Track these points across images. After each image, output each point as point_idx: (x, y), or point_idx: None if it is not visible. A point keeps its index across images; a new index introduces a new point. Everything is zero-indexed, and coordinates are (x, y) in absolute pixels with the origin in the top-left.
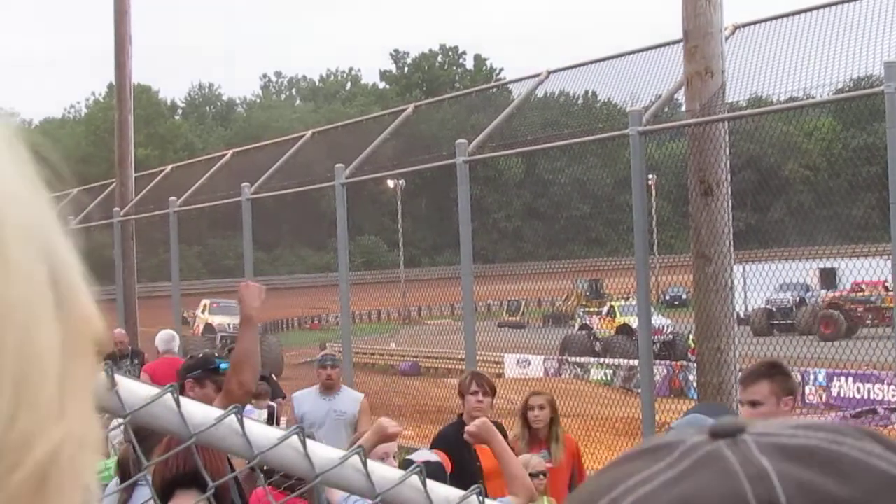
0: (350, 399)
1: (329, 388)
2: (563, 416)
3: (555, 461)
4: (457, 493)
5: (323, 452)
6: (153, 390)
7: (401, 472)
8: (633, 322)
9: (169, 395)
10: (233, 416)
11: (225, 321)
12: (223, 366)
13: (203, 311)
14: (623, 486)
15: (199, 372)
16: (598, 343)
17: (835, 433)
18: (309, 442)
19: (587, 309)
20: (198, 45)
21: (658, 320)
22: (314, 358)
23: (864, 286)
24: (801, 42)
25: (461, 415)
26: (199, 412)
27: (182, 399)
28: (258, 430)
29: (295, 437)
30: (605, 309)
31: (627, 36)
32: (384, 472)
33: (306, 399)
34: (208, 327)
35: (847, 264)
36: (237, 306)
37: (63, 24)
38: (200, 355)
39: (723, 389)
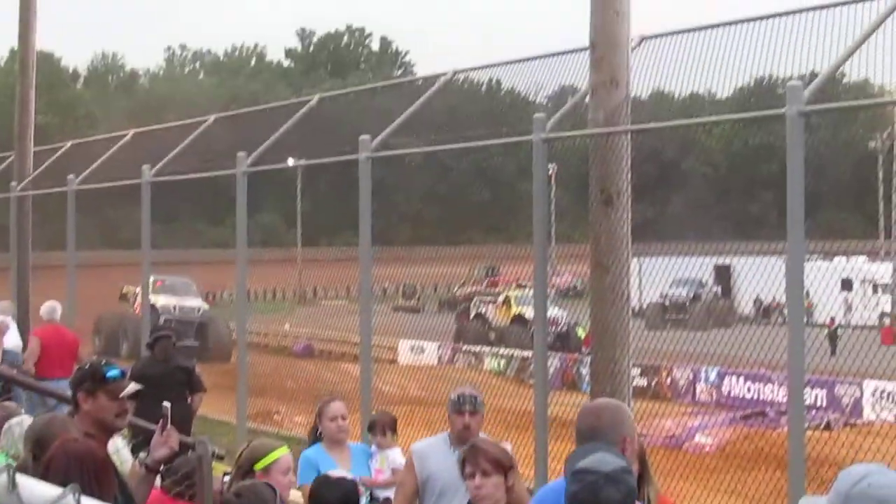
0: None
1: (465, 442)
2: None
3: None
4: None
5: None
6: (55, 491)
7: None
8: (528, 312)
9: (70, 497)
10: None
11: (170, 302)
12: (111, 373)
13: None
14: None
15: (90, 384)
16: (492, 332)
17: None
18: None
19: (482, 297)
20: (102, 12)
21: (553, 311)
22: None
23: (498, 282)
24: (706, 54)
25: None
26: None
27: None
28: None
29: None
30: (501, 298)
31: (535, 28)
32: None
33: (433, 454)
34: (151, 307)
35: (742, 262)
36: (184, 285)
37: None
38: (87, 365)
39: (616, 398)
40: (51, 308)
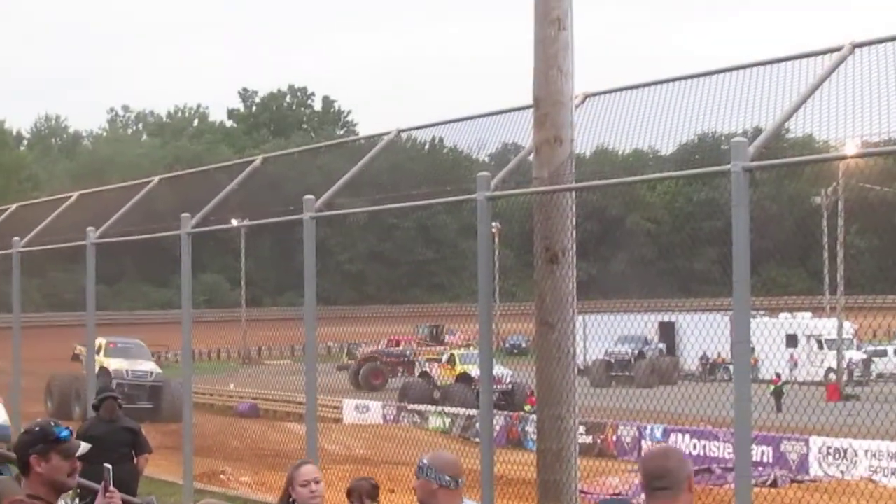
0: None
1: None
2: (401, 464)
3: None
4: None
5: None
6: None
7: None
8: (473, 370)
9: None
10: None
11: (123, 366)
12: (63, 433)
13: (98, 352)
14: None
15: (42, 446)
16: (437, 391)
17: None
18: None
19: (427, 356)
20: (45, 75)
21: (498, 370)
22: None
23: (400, 341)
24: (650, 111)
25: None
26: None
27: None
28: None
29: None
30: (445, 356)
31: (477, 84)
32: None
33: None
34: (103, 371)
35: (686, 318)
36: (137, 348)
37: None
38: (37, 428)
39: (562, 457)
40: None
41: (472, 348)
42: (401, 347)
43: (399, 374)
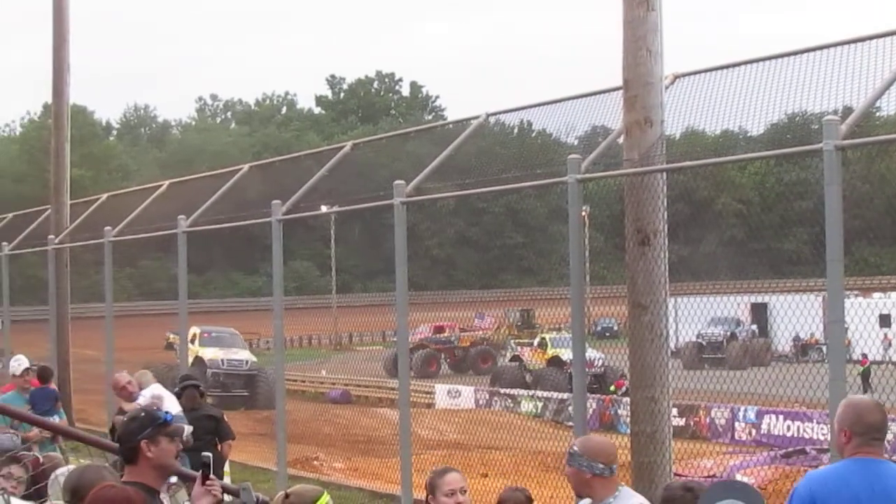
0: None
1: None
2: (494, 448)
3: None
4: None
5: None
6: None
7: None
8: (564, 354)
9: None
10: None
11: (218, 355)
12: (168, 416)
13: (192, 341)
14: None
15: (151, 430)
16: (528, 375)
17: None
18: None
19: (518, 340)
20: (134, 66)
21: (589, 353)
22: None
23: (444, 328)
24: (739, 92)
25: None
26: None
27: None
28: None
29: None
30: (537, 340)
31: (565, 67)
32: None
33: None
34: (198, 360)
35: (778, 299)
36: (231, 336)
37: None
38: (143, 413)
39: (656, 439)
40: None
41: (563, 332)
42: (446, 334)
43: (443, 360)
